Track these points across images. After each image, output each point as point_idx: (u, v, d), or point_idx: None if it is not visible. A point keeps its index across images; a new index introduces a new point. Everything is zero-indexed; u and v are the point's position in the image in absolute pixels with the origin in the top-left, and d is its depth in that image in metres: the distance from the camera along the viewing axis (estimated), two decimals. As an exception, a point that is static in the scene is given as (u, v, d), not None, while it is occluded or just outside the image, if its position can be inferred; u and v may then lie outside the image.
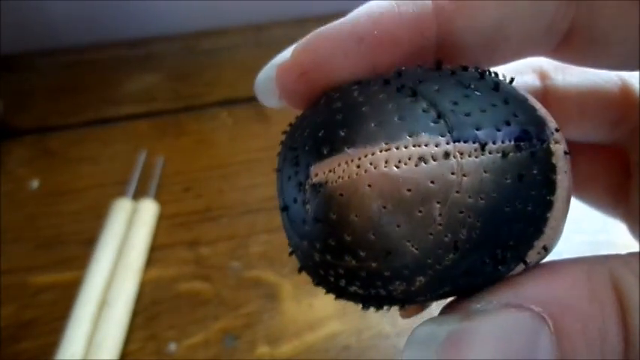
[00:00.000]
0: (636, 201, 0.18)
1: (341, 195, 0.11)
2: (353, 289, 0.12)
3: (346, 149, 0.11)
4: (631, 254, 0.12)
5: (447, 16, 0.13)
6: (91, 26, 0.58)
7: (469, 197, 0.10)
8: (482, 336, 0.10)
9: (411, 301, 0.12)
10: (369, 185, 0.11)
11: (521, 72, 0.18)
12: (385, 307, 0.12)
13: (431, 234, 0.10)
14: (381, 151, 0.11)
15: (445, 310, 0.12)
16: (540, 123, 0.12)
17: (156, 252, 0.38)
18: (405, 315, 0.16)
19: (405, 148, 0.11)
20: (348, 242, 0.11)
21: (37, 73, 0.56)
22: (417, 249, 0.11)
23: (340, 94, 0.12)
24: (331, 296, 0.13)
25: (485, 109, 0.11)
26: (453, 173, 0.10)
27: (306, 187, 0.11)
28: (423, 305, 0.15)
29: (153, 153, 0.45)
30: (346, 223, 0.11)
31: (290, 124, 0.13)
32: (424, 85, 0.11)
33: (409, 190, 0.10)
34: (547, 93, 0.18)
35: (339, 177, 0.11)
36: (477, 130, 0.11)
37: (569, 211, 0.13)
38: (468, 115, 0.11)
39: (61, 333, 0.31)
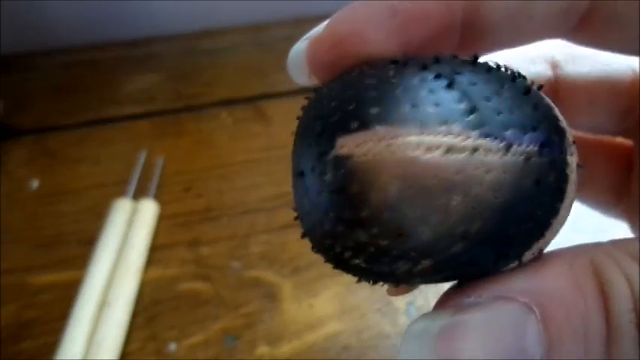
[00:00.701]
0: (637, 193, 0.18)
1: (365, 171, 0.11)
2: (356, 262, 0.12)
3: (377, 127, 0.11)
4: (612, 242, 0.12)
5: None
6: (91, 26, 0.58)
7: (487, 194, 0.11)
8: (473, 327, 0.11)
9: (409, 282, 0.12)
10: (395, 167, 0.11)
11: (534, 61, 0.18)
12: (380, 284, 0.13)
13: (445, 223, 0.11)
14: (412, 136, 0.11)
15: (438, 306, 0.13)
16: (561, 133, 0.12)
17: (156, 252, 0.38)
18: (393, 293, 0.16)
19: (436, 136, 0.11)
20: (364, 217, 0.11)
21: (37, 73, 0.56)
22: (428, 235, 0.11)
23: (374, 70, 0.12)
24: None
25: (514, 111, 0.11)
26: (477, 169, 0.11)
27: (328, 157, 0.11)
28: (411, 286, 0.16)
29: (153, 153, 0.45)
30: (365, 199, 0.11)
31: (314, 90, 0.13)
32: (461, 77, 0.12)
33: (433, 178, 0.11)
34: (558, 82, 0.18)
35: (365, 153, 0.11)
36: (506, 130, 0.11)
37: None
38: (499, 113, 0.11)
39: (61, 333, 0.32)
